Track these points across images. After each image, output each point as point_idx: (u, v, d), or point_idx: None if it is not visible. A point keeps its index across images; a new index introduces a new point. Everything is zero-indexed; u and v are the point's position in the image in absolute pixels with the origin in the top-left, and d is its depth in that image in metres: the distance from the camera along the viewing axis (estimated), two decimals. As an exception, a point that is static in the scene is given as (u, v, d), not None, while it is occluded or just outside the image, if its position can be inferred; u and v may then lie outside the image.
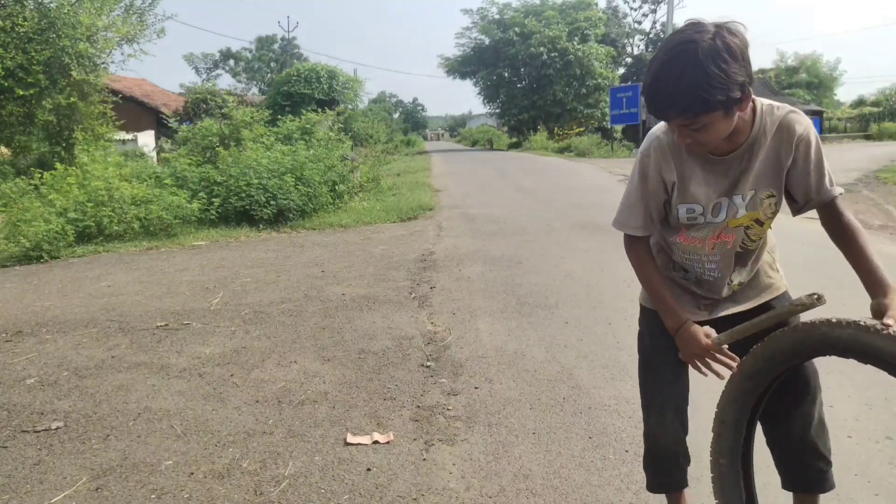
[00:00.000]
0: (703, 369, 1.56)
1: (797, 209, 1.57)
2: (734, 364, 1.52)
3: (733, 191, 1.54)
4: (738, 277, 1.67)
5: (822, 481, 1.65)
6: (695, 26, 1.35)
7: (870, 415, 2.62)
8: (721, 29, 1.34)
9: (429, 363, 3.42)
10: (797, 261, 5.38)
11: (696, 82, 1.30)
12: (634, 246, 1.67)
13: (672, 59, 1.34)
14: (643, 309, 1.81)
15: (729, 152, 1.51)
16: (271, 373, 3.38)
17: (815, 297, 1.42)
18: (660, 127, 1.58)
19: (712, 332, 1.56)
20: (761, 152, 1.51)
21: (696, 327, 1.57)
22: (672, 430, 1.75)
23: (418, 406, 2.90)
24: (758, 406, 1.58)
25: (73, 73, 11.89)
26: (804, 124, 1.51)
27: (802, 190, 1.53)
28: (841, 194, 1.53)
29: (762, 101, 1.52)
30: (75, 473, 2.41)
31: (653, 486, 1.87)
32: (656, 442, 1.79)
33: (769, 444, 1.70)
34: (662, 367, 1.74)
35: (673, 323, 1.61)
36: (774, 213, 1.58)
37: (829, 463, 1.65)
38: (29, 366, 3.63)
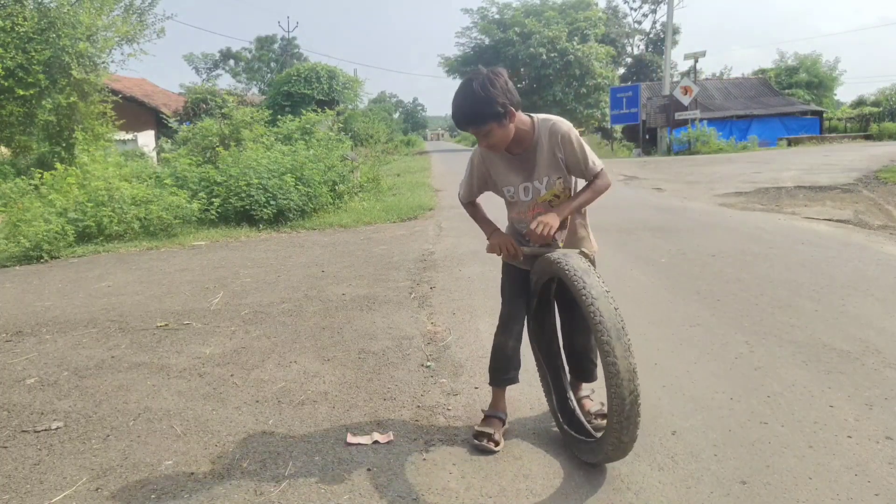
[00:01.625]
0: (503, 253, 2.43)
1: (584, 180, 2.41)
2: (520, 255, 2.41)
3: (531, 178, 2.33)
4: (559, 235, 2.43)
5: (591, 374, 2.64)
6: (474, 73, 2.17)
7: (870, 415, 2.62)
8: (489, 71, 2.16)
9: (429, 363, 3.42)
10: (797, 259, 5.38)
11: (471, 103, 2.13)
12: (469, 206, 2.59)
13: (460, 92, 2.16)
14: (504, 264, 2.59)
15: (522, 153, 2.31)
16: (271, 373, 3.38)
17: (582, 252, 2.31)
18: None
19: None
20: (542, 151, 2.29)
21: (503, 232, 2.48)
22: (512, 344, 2.51)
23: (418, 406, 2.90)
24: (542, 294, 2.54)
25: (74, 73, 11.88)
26: (565, 128, 2.28)
27: (578, 171, 2.35)
28: (601, 169, 2.35)
29: (538, 116, 2.30)
30: (75, 473, 2.41)
31: (494, 382, 2.61)
32: (501, 352, 2.53)
33: (567, 355, 2.65)
34: (515, 303, 2.53)
35: (489, 229, 2.50)
36: (566, 188, 2.37)
37: (595, 365, 2.59)
38: (29, 366, 3.63)
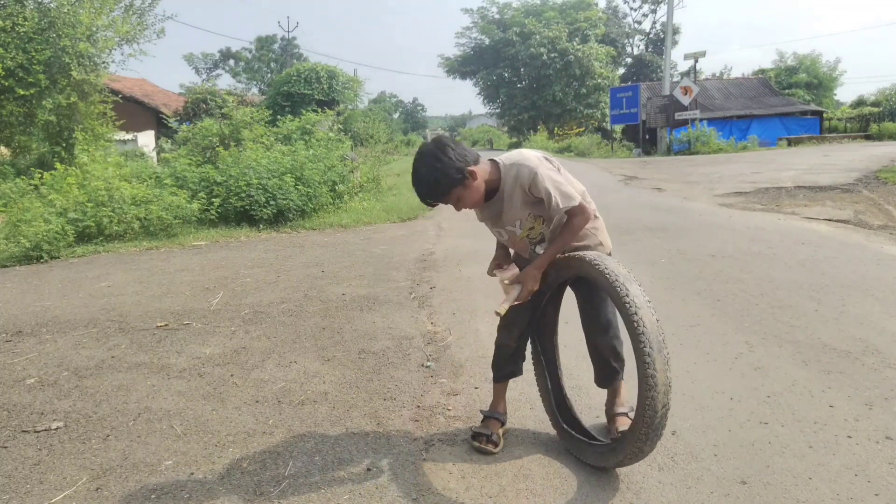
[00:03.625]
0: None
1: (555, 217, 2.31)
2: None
3: (503, 224, 2.36)
4: (540, 248, 2.42)
5: (615, 378, 2.55)
6: (421, 150, 2.23)
7: (870, 415, 2.62)
8: (434, 144, 2.21)
9: (429, 363, 3.42)
10: (797, 259, 5.38)
11: (430, 181, 2.18)
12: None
13: (415, 173, 2.21)
14: None
15: (491, 201, 2.32)
16: (271, 373, 3.38)
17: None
18: None
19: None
20: (508, 197, 2.27)
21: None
22: (514, 344, 2.55)
23: (418, 406, 2.90)
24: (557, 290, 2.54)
25: (74, 73, 11.87)
26: (527, 174, 2.20)
27: (547, 209, 2.23)
28: (578, 204, 2.21)
29: (504, 162, 2.26)
30: (75, 473, 2.41)
31: (497, 378, 2.64)
32: (503, 353, 2.57)
33: (591, 356, 2.55)
34: (518, 307, 2.40)
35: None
36: (548, 220, 2.31)
37: (620, 368, 2.51)
38: (29, 366, 3.63)
